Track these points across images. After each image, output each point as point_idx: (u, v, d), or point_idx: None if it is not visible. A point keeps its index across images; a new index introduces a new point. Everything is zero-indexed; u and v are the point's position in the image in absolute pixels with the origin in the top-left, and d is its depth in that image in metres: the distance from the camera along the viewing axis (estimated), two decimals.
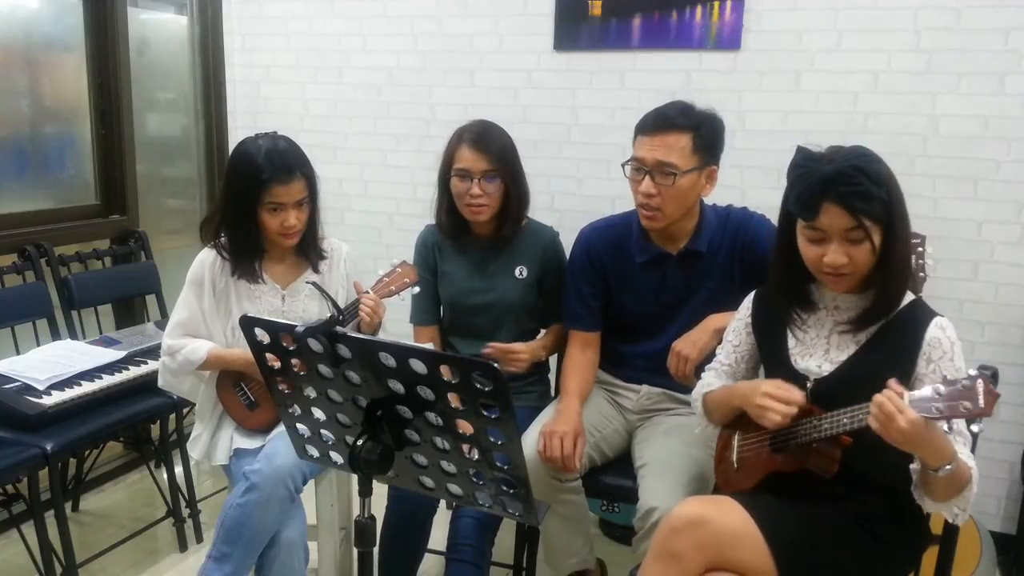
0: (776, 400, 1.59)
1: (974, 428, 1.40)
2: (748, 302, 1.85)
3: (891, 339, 1.61)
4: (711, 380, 1.89)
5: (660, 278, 2.11)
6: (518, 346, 2.25)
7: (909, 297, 1.64)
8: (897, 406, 1.38)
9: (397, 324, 2.35)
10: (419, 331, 2.40)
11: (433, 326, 2.40)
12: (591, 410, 2.15)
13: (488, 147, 2.19)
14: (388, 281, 2.13)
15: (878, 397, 1.41)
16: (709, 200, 2.12)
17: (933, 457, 1.43)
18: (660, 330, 2.12)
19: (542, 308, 2.37)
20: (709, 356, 1.98)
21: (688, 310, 2.08)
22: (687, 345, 2.00)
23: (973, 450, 1.58)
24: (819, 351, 1.69)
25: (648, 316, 2.13)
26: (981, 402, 1.33)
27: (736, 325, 1.87)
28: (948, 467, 1.43)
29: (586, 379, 2.19)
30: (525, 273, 2.31)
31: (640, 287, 2.13)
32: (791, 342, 1.73)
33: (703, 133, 1.96)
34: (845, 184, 1.51)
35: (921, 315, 1.62)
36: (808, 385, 1.65)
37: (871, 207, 1.52)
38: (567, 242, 2.33)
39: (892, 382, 1.42)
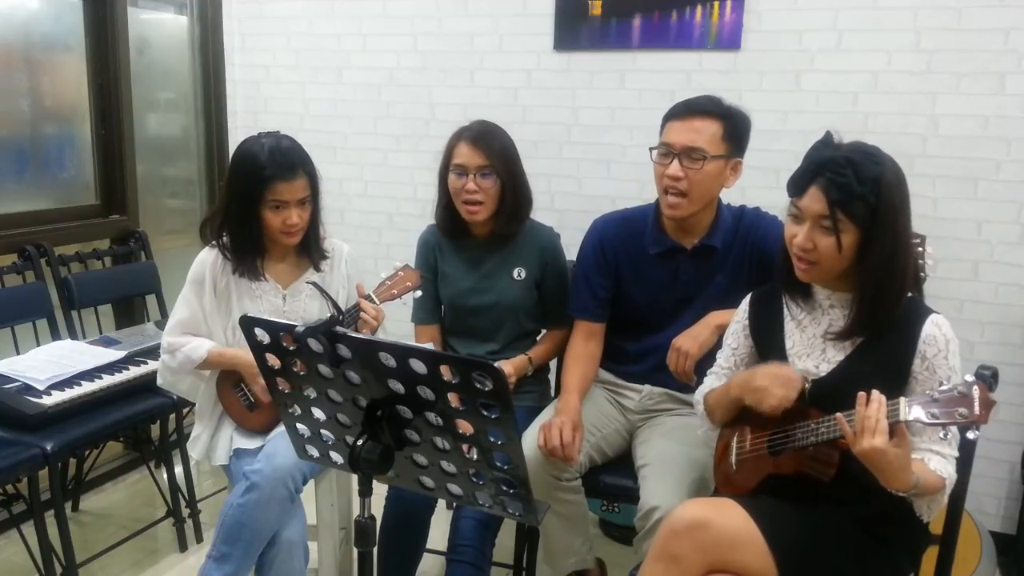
0: (775, 384, 1.61)
1: (970, 435, 1.39)
2: (745, 305, 1.84)
3: (887, 337, 1.61)
4: (711, 383, 1.89)
5: (673, 271, 2.10)
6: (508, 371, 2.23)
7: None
8: (879, 424, 1.39)
9: (397, 324, 2.35)
10: (420, 330, 2.40)
11: (434, 325, 2.40)
12: (592, 409, 2.15)
13: (485, 144, 2.19)
14: (390, 284, 2.13)
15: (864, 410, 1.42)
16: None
17: (889, 480, 1.46)
18: (669, 326, 2.10)
19: (541, 310, 2.37)
20: (709, 353, 1.98)
21: (697, 306, 2.08)
22: (687, 340, 2.00)
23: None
24: (816, 351, 1.69)
25: (658, 311, 2.13)
26: (977, 409, 1.32)
27: (734, 328, 1.86)
28: (901, 494, 1.47)
29: (586, 374, 2.18)
30: (523, 274, 2.31)
31: (651, 280, 2.12)
32: (788, 343, 1.73)
33: (733, 124, 1.98)
34: (832, 171, 1.54)
35: (917, 313, 1.61)
36: (806, 386, 1.65)
37: (849, 203, 1.52)
38: (567, 241, 2.33)
39: (877, 393, 1.42)
